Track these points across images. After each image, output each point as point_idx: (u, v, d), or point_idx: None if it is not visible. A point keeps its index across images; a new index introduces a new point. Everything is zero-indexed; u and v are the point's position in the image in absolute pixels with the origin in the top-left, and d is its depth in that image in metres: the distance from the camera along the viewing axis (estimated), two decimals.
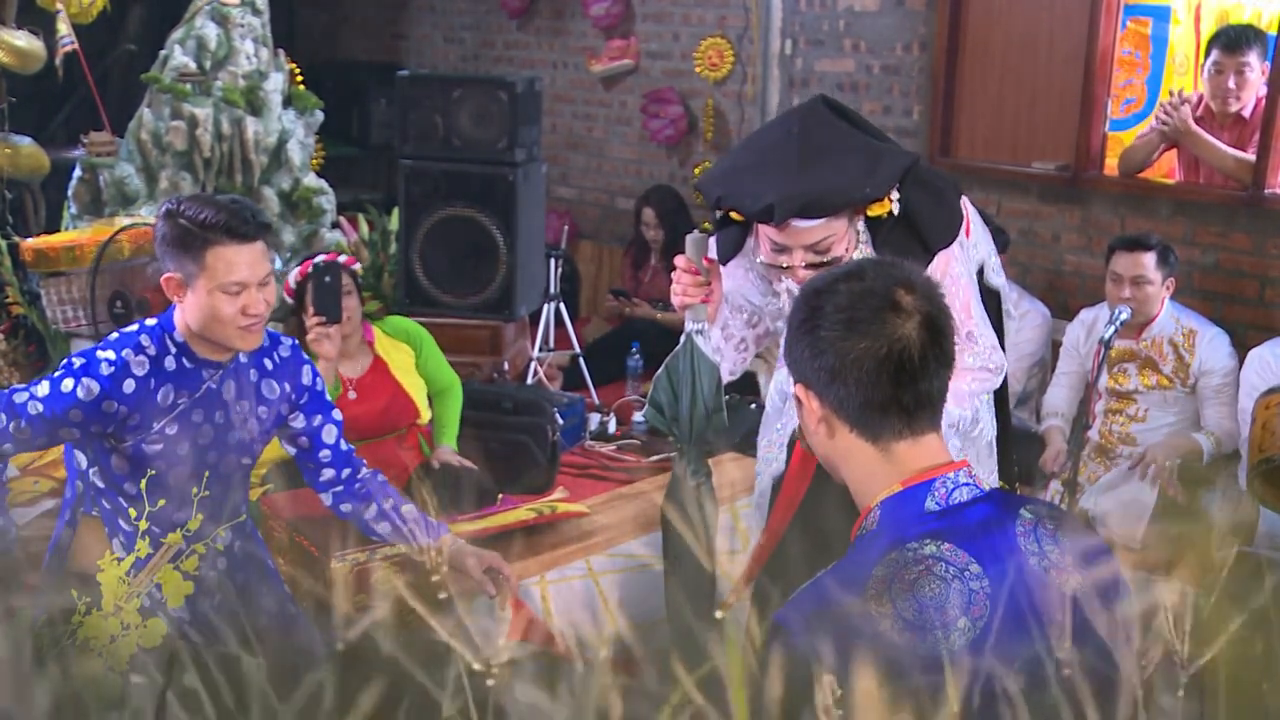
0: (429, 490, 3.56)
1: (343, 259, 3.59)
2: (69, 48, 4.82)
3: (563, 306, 5.35)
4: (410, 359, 3.84)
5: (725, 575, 2.48)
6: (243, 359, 2.34)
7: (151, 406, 2.20)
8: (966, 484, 1.36)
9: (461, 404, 3.97)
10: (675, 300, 2.18)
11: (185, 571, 2.34)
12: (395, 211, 5.23)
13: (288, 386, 2.42)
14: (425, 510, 2.55)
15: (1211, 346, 3.81)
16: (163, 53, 4.95)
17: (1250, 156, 4.14)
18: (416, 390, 3.80)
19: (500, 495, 3.84)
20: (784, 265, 2.08)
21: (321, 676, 0.69)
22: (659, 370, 2.24)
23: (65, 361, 2.20)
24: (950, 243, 2.15)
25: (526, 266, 5.10)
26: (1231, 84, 4.10)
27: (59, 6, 4.81)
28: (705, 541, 2.20)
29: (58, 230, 4.84)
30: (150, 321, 2.28)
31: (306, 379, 2.46)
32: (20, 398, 2.16)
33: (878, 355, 1.33)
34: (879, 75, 5.25)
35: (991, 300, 2.43)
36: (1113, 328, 3.43)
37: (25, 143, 5.02)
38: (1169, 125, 4.17)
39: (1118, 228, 4.50)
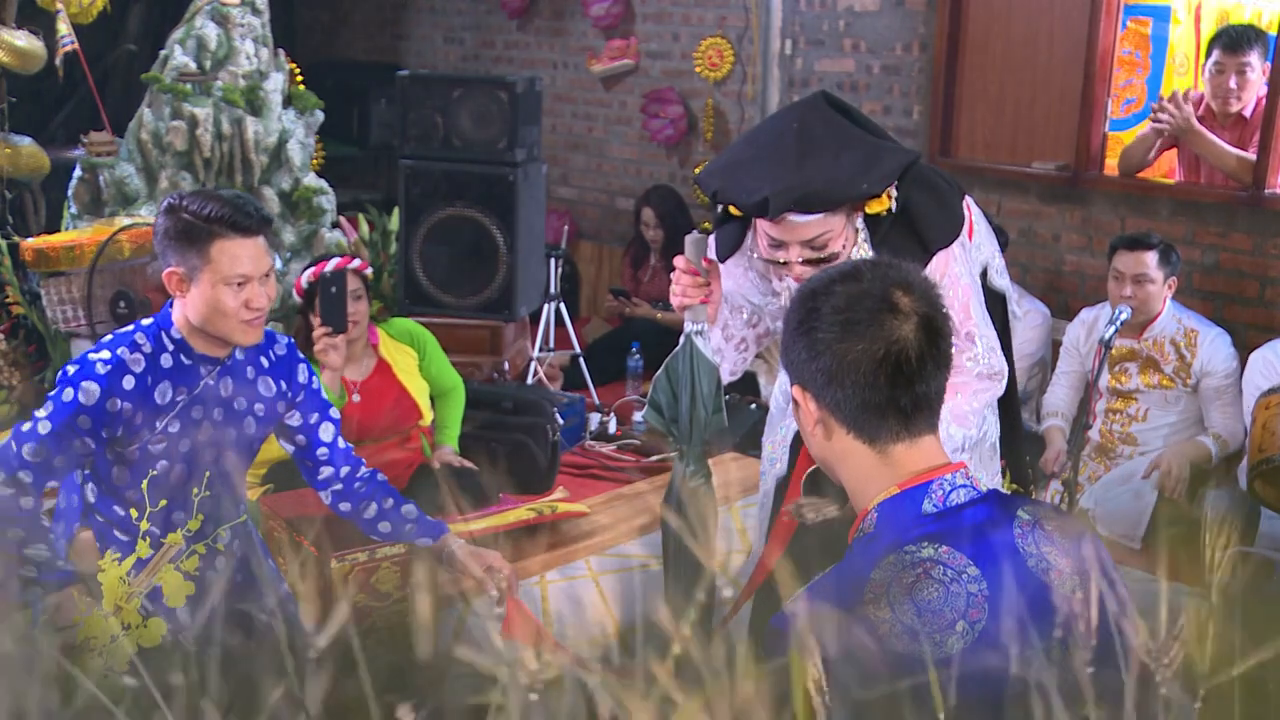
0: (429, 491, 3.56)
1: (355, 263, 3.58)
2: (69, 48, 4.82)
3: (563, 306, 5.35)
4: (414, 361, 3.84)
5: (725, 575, 2.48)
6: (239, 355, 2.34)
7: (151, 404, 2.20)
8: (964, 485, 1.36)
9: (464, 406, 3.98)
10: (674, 301, 2.17)
11: (186, 571, 2.34)
12: (395, 211, 5.23)
13: (284, 384, 2.42)
14: (425, 510, 2.55)
15: (1213, 347, 3.81)
16: (163, 53, 4.95)
17: (1251, 156, 4.14)
18: (420, 392, 3.80)
19: (500, 495, 3.84)
20: (781, 261, 2.08)
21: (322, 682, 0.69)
22: (658, 371, 2.24)
23: (60, 375, 2.20)
24: (949, 243, 2.15)
25: (526, 266, 5.10)
26: (1232, 84, 4.10)
27: (59, 6, 4.81)
28: (704, 542, 2.19)
29: (58, 230, 4.84)
30: (146, 321, 2.29)
31: (302, 377, 2.46)
32: (27, 426, 2.16)
33: (875, 357, 1.32)
34: (879, 75, 5.25)
35: (996, 302, 2.42)
36: (1113, 327, 3.42)
37: (25, 143, 5.02)
38: (1166, 123, 4.15)
39: (1118, 228, 4.50)
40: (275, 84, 4.99)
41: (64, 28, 4.81)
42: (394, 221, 5.26)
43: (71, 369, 2.18)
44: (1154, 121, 4.22)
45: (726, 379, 2.28)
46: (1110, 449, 3.95)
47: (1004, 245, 2.60)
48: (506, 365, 5.11)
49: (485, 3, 7.02)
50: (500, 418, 4.29)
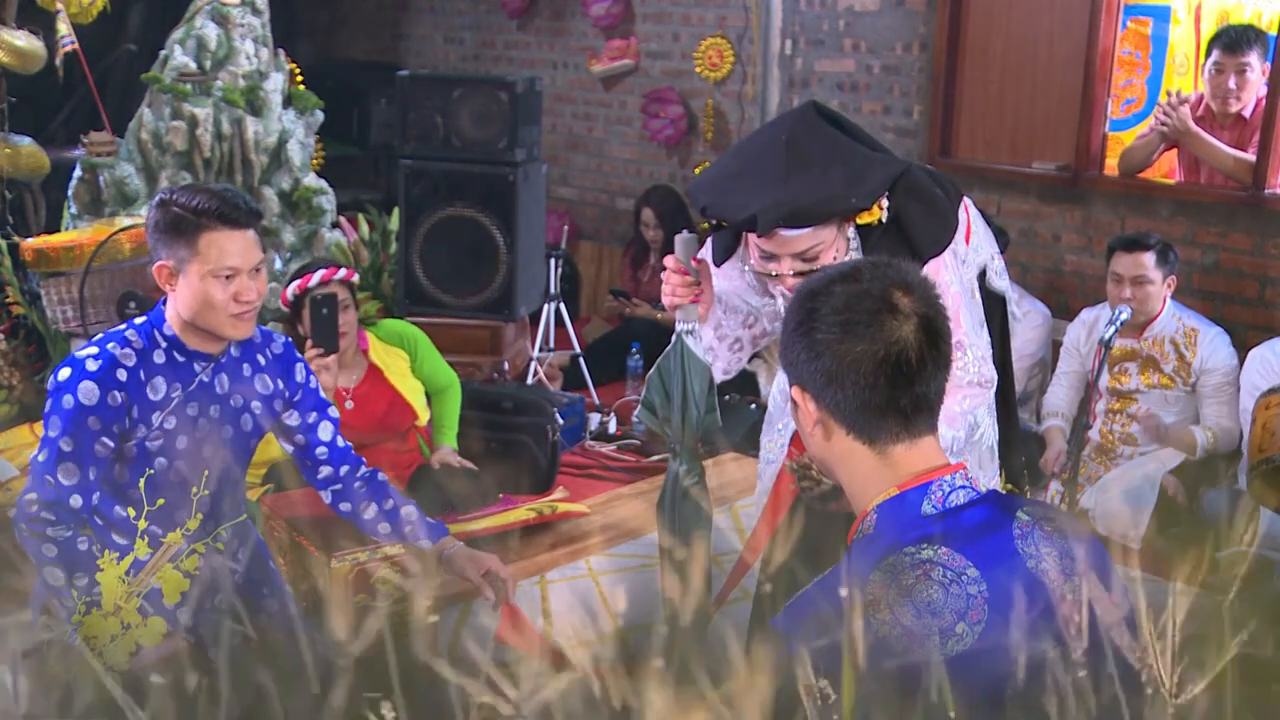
0: (429, 491, 3.56)
1: (341, 273, 3.54)
2: (69, 48, 4.82)
3: (563, 306, 5.36)
4: (405, 363, 3.81)
5: (723, 575, 2.48)
6: (234, 352, 2.34)
7: (145, 400, 2.20)
8: (963, 486, 1.36)
9: (460, 402, 3.96)
10: (665, 301, 2.18)
11: (185, 571, 2.34)
12: (395, 211, 5.23)
13: (281, 383, 2.42)
14: (425, 510, 2.55)
15: (1213, 346, 3.81)
16: (163, 53, 4.95)
17: (1250, 156, 4.14)
18: (413, 393, 3.78)
19: (500, 495, 3.84)
20: (773, 273, 2.08)
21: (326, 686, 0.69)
22: (650, 371, 2.24)
23: (52, 383, 2.18)
24: (940, 252, 2.14)
25: (526, 266, 5.10)
26: (1232, 84, 4.10)
27: (59, 6, 4.81)
28: (701, 541, 2.20)
29: (58, 230, 4.84)
30: (139, 319, 2.29)
31: (300, 376, 2.46)
32: (43, 456, 2.16)
33: (875, 358, 1.32)
34: (879, 75, 5.25)
35: (996, 304, 2.41)
36: (1113, 328, 3.42)
37: (25, 143, 5.02)
38: (1168, 126, 4.17)
39: (1118, 228, 4.50)
40: (275, 84, 4.99)
41: (64, 28, 4.81)
42: (394, 221, 5.26)
43: (64, 373, 2.17)
44: (1161, 125, 4.22)
45: (720, 378, 2.28)
46: (1110, 449, 3.95)
47: (1004, 246, 2.60)
48: (506, 365, 5.12)
49: (485, 3, 7.02)
50: (500, 418, 4.28)
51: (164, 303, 2.28)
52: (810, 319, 1.36)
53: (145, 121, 4.82)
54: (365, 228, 5.40)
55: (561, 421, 4.43)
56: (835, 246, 2.06)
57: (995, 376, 2.24)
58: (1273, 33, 4.18)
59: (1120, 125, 4.83)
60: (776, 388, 2.49)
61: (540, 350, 5.25)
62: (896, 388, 1.33)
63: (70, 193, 4.96)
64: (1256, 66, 4.07)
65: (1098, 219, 4.62)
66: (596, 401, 5.06)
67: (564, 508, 3.91)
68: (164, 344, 2.25)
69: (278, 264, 4.90)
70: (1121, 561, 1.38)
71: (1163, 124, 4.17)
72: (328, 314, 3.35)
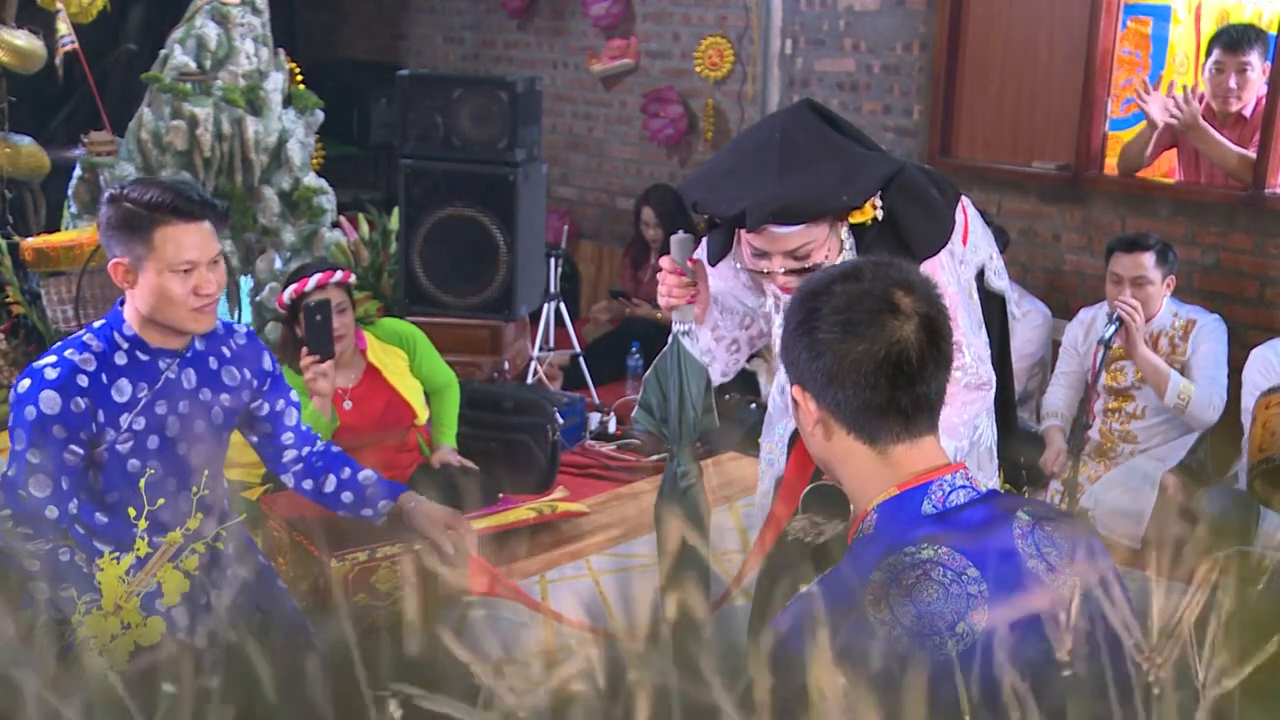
0: (429, 491, 3.56)
1: (337, 276, 3.52)
2: (69, 48, 4.82)
3: (563, 306, 5.36)
4: (404, 362, 3.80)
5: (723, 575, 2.48)
6: (199, 346, 2.31)
7: (111, 403, 2.17)
8: (964, 486, 1.36)
9: (459, 401, 3.96)
10: (661, 302, 2.17)
11: (185, 570, 2.34)
12: (395, 211, 5.23)
13: (248, 373, 2.40)
14: None
15: (1208, 328, 3.79)
16: (163, 52, 4.95)
17: (1252, 155, 4.14)
18: (412, 393, 3.76)
19: (500, 495, 3.84)
20: (764, 271, 2.08)
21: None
22: (647, 371, 2.24)
23: (12, 396, 2.15)
24: (936, 252, 2.13)
25: (526, 266, 5.10)
26: (1233, 83, 4.10)
27: (59, 6, 4.81)
28: (700, 541, 2.19)
29: (58, 230, 4.84)
30: (98, 322, 2.25)
31: (267, 364, 2.44)
32: (11, 470, 2.13)
33: (876, 357, 1.32)
34: (879, 75, 5.25)
35: (995, 303, 2.41)
36: (1112, 327, 3.42)
37: (25, 143, 5.02)
38: (1178, 119, 4.10)
39: (1118, 228, 4.50)
40: (275, 84, 4.99)
41: (64, 28, 4.81)
42: (394, 221, 5.26)
43: (23, 385, 2.13)
44: (1171, 118, 4.13)
45: (717, 380, 2.27)
46: (1110, 448, 3.95)
47: (1004, 246, 2.60)
48: (506, 365, 5.12)
49: (485, 3, 7.02)
50: (500, 418, 4.28)
51: (121, 303, 2.24)
52: (811, 318, 1.36)
53: (145, 121, 4.82)
54: (365, 227, 5.40)
55: (561, 421, 4.43)
56: (827, 246, 2.05)
57: (993, 377, 2.24)
58: (1273, 32, 4.18)
59: (1120, 125, 4.83)
60: (776, 389, 2.49)
61: (540, 350, 5.25)
62: (897, 388, 1.33)
63: (70, 192, 4.95)
64: (1257, 66, 4.07)
65: (1098, 219, 4.62)
66: (596, 401, 5.07)
67: (564, 507, 3.91)
68: (125, 345, 2.21)
69: (277, 264, 4.90)
70: (1121, 561, 1.39)
71: (1174, 116, 4.12)
72: (322, 320, 3.33)
